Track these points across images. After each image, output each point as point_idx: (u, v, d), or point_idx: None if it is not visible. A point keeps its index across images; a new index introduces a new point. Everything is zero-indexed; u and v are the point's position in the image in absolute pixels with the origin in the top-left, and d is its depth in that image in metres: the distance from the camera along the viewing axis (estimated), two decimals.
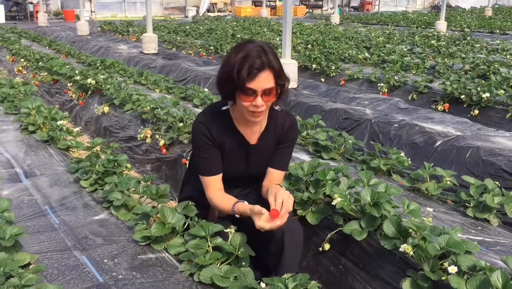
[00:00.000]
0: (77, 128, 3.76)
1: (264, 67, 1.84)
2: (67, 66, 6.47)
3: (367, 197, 2.09)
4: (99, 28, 14.93)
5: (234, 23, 16.63)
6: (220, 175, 2.08)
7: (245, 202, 1.97)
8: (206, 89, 5.32)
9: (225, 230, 1.92)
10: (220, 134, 2.03)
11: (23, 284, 1.62)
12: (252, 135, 2.09)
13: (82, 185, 2.66)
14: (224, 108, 2.04)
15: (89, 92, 5.44)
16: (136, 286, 1.73)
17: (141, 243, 2.04)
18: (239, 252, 1.89)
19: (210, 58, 9.16)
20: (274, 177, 2.14)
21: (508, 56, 8.61)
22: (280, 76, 1.90)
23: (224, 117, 2.06)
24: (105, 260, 1.91)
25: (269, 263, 2.06)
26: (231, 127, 2.06)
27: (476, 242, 1.86)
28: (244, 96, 1.87)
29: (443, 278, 1.69)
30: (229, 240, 1.92)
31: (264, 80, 1.85)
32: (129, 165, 2.92)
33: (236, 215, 1.96)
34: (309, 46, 9.58)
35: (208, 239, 1.93)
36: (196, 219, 2.22)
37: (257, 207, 1.84)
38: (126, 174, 2.83)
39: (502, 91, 4.94)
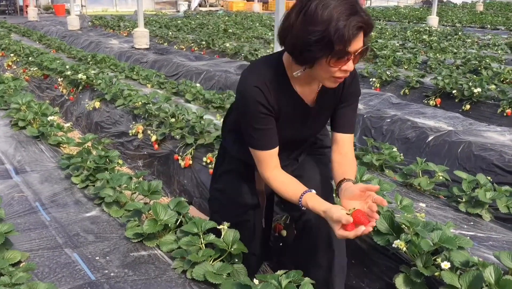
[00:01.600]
0: (68, 124, 3.73)
1: (363, 26, 1.49)
2: (58, 61, 6.40)
3: None
4: (89, 22, 14.81)
5: (226, 18, 16.57)
6: (277, 149, 1.76)
7: (313, 191, 1.67)
8: (198, 84, 5.29)
9: (218, 227, 1.90)
10: (277, 99, 1.70)
11: (14, 282, 1.60)
12: (310, 95, 1.77)
13: (73, 181, 2.63)
14: (297, 73, 1.65)
15: (80, 88, 5.39)
16: (128, 284, 1.71)
17: (133, 240, 2.02)
18: (232, 249, 1.87)
19: (202, 53, 9.13)
20: (344, 143, 1.84)
21: (499, 51, 8.66)
22: (368, 33, 1.56)
23: (279, 76, 1.71)
24: (97, 258, 1.89)
25: (316, 275, 1.78)
26: (288, 88, 1.72)
27: (468, 237, 1.87)
28: (334, 61, 1.51)
29: (436, 273, 1.70)
30: (222, 236, 1.91)
31: (359, 41, 1.51)
32: (120, 161, 2.90)
33: (303, 208, 1.68)
34: None
35: (201, 236, 1.92)
36: (189, 215, 2.21)
37: (338, 214, 1.50)
38: (118, 170, 2.80)
39: (494, 86, 4.96)
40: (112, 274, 1.78)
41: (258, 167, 1.79)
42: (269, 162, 1.75)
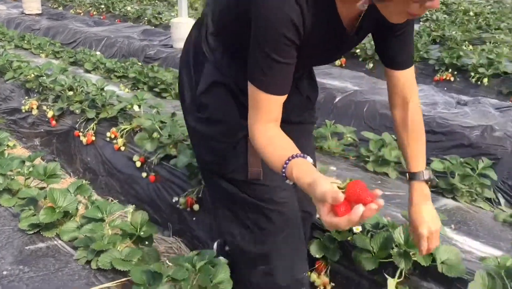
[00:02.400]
0: None
1: None
2: None
3: None
4: None
5: None
6: (284, 97, 1.26)
7: (308, 157, 1.12)
8: (98, 53, 4.95)
9: (124, 210, 1.77)
10: (313, 21, 1.22)
11: None
12: (351, 17, 1.29)
13: None
14: (363, 5, 1.15)
15: None
16: (23, 282, 1.54)
17: (28, 231, 1.82)
18: (141, 232, 1.76)
19: (102, 17, 8.58)
20: (406, 79, 1.44)
21: None
22: None
23: None
24: None
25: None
26: (330, 8, 1.24)
27: None
28: None
29: (349, 238, 1.72)
30: (129, 219, 1.79)
31: None
32: (11, 143, 2.62)
33: (287, 181, 1.12)
34: None
35: (106, 221, 1.78)
36: (93, 199, 2.05)
37: (323, 188, 0.95)
38: (9, 153, 2.53)
39: None
40: (4, 272, 1.59)
41: (250, 114, 1.27)
42: (269, 111, 1.25)
